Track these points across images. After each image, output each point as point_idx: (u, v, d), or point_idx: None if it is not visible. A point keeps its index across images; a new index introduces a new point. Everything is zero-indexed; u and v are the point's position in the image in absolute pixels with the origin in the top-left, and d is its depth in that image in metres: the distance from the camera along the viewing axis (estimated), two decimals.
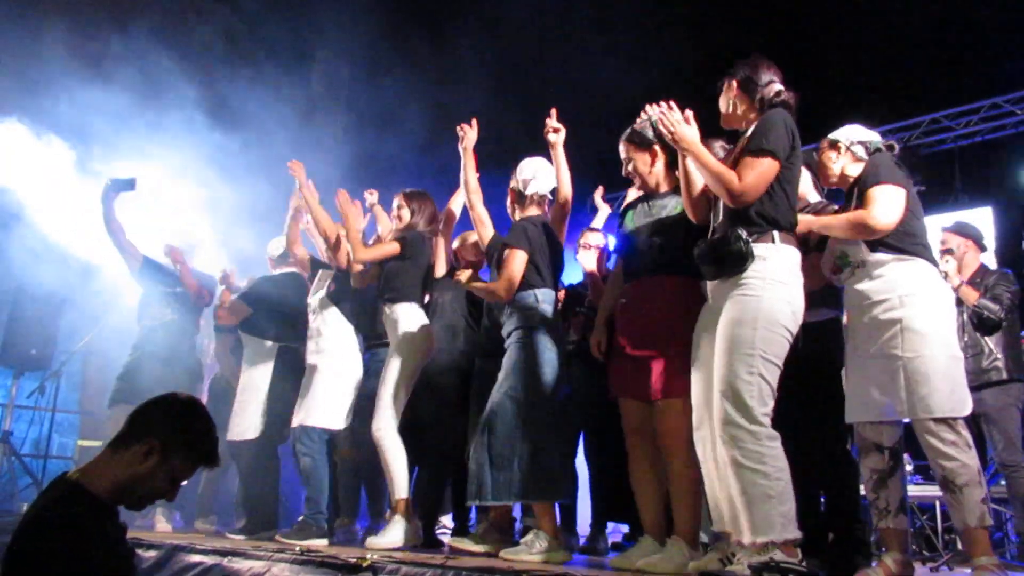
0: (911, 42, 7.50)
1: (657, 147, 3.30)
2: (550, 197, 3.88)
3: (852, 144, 3.23)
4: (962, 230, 4.81)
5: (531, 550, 3.33)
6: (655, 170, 3.33)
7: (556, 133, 3.79)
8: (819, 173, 3.38)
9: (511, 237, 3.71)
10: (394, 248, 4.25)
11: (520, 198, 3.85)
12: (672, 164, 3.27)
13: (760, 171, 2.72)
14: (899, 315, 2.89)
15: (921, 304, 2.91)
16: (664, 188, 3.32)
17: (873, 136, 3.28)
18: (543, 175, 3.83)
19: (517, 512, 4.22)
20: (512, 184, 3.89)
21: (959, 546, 4.71)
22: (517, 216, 3.85)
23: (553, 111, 3.82)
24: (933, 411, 2.83)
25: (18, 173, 6.51)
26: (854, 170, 3.21)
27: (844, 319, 3.33)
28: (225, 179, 6.43)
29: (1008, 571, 3.00)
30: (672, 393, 3.01)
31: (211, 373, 6.04)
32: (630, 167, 3.36)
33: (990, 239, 7.08)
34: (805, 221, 3.06)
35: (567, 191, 3.88)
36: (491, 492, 3.39)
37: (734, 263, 2.70)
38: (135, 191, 4.84)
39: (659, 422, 3.08)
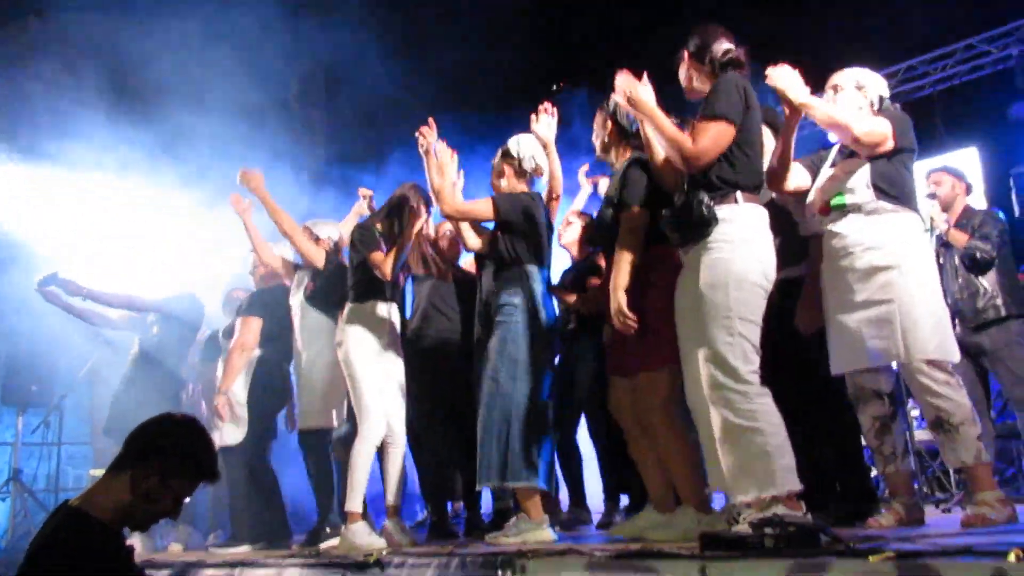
0: None
1: (609, 119, 3.34)
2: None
3: (876, 95, 3.14)
4: (955, 172, 4.78)
5: (508, 534, 3.33)
6: (604, 136, 3.36)
7: (548, 127, 3.75)
8: None
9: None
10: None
11: (520, 172, 3.78)
12: (620, 136, 3.33)
13: (712, 135, 2.72)
14: (896, 261, 2.91)
15: (916, 253, 2.97)
16: (615, 161, 3.36)
17: (885, 87, 3.22)
18: (539, 150, 3.82)
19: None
20: (503, 158, 3.81)
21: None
22: (508, 189, 3.78)
23: (547, 105, 3.78)
24: (929, 352, 2.87)
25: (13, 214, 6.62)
26: None
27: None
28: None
29: (1018, 505, 2.99)
30: (650, 366, 3.01)
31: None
32: (594, 128, 3.41)
33: (977, 179, 7.07)
34: (808, 101, 2.93)
35: (559, 187, 3.86)
36: (479, 475, 3.38)
37: (697, 228, 2.70)
38: (58, 278, 5.18)
39: (637, 400, 3.07)
